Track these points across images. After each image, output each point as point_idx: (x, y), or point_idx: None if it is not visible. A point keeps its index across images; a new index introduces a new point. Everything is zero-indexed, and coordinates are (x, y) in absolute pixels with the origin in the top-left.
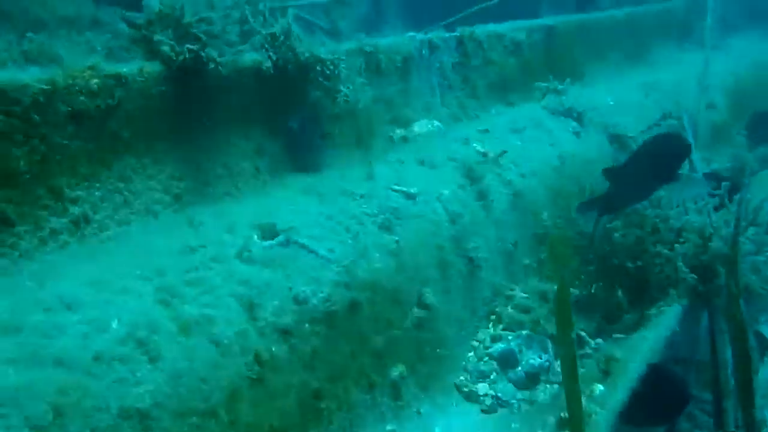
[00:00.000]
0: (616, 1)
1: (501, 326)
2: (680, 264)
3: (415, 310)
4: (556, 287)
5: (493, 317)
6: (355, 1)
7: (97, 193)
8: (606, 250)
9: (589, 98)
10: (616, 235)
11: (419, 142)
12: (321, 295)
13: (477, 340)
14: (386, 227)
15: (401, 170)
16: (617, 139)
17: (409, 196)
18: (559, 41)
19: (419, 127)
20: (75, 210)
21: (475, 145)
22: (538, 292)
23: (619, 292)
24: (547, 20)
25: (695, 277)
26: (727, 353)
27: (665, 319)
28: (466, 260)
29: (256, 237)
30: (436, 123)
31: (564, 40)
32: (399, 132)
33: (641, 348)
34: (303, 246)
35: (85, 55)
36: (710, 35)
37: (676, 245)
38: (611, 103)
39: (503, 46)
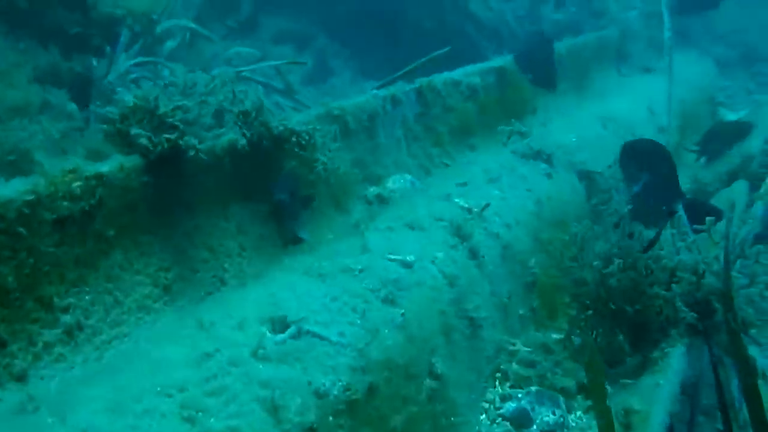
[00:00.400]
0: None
1: (508, 384)
2: (679, 304)
3: (427, 381)
4: (555, 337)
5: (498, 375)
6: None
7: (86, 298)
8: (603, 295)
9: (552, 137)
10: (612, 280)
11: (399, 201)
12: (340, 384)
13: (487, 401)
14: (390, 300)
15: (392, 237)
16: (586, 176)
17: (406, 265)
18: (510, 80)
19: (392, 182)
20: (67, 319)
21: (457, 200)
22: (539, 344)
23: (621, 337)
24: (497, 61)
25: (695, 315)
26: (733, 387)
27: (674, 362)
28: (468, 321)
29: (267, 332)
30: (408, 177)
31: (514, 78)
32: (373, 190)
33: (659, 397)
34: (315, 335)
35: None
36: (671, 64)
37: (673, 285)
38: (574, 139)
39: (460, 92)
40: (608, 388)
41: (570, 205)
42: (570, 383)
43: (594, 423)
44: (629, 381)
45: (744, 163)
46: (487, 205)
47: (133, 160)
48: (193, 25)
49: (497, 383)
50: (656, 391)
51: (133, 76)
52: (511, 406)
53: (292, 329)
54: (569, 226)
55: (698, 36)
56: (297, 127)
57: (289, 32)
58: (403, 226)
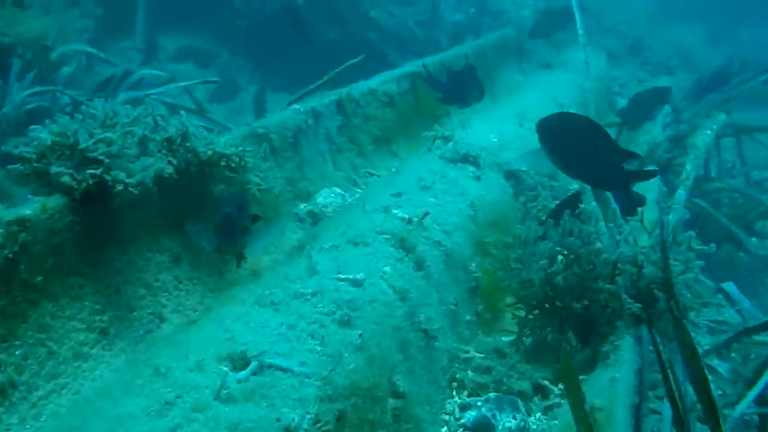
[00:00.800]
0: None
1: (465, 392)
2: (624, 296)
3: (391, 401)
4: (505, 340)
5: (455, 384)
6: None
7: (17, 352)
8: (550, 294)
9: (474, 139)
10: (558, 278)
11: (335, 217)
12: (309, 417)
13: (446, 413)
14: (346, 323)
15: (338, 255)
16: (512, 176)
17: (356, 283)
18: (424, 84)
19: (323, 198)
20: None
21: (395, 211)
22: (492, 349)
23: (570, 334)
24: (409, 66)
25: (640, 306)
26: (678, 371)
27: (626, 355)
28: (422, 334)
29: (228, 370)
30: (337, 190)
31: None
32: (303, 207)
33: (618, 392)
34: (277, 367)
35: None
36: (587, 58)
37: (617, 278)
38: (495, 140)
39: (378, 100)
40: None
41: (501, 205)
42: (526, 386)
43: (554, 423)
44: (582, 377)
45: (651, 150)
46: (427, 213)
47: (56, 200)
48: (89, 49)
49: (454, 393)
50: (615, 386)
51: (29, 106)
52: (471, 415)
53: (253, 365)
54: (504, 227)
55: (590, 29)
56: (226, 150)
57: (189, 50)
58: (347, 243)
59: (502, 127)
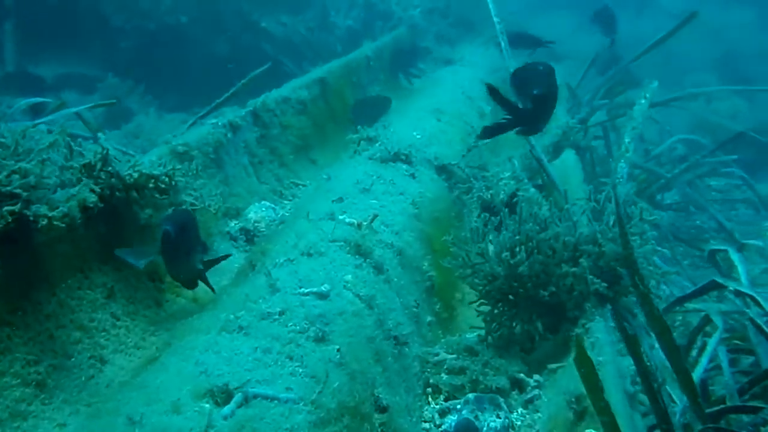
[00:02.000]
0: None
1: (441, 397)
2: (590, 276)
3: (376, 416)
4: (471, 336)
5: (429, 390)
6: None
7: None
8: (515, 285)
9: (399, 137)
10: (522, 268)
11: (281, 230)
12: None
13: (426, 421)
14: (321, 339)
15: (296, 269)
16: (443, 170)
17: (322, 296)
18: (333, 88)
19: (253, 213)
20: None
21: (342, 217)
22: (462, 348)
23: (539, 324)
24: (318, 72)
25: (605, 284)
26: (645, 348)
27: (601, 336)
28: (393, 341)
29: (209, 407)
30: (266, 204)
31: (335, 86)
32: (234, 224)
33: (606, 376)
34: (263, 396)
35: None
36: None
37: (581, 260)
38: (419, 136)
39: (292, 108)
40: (539, 377)
41: (440, 200)
42: (503, 381)
43: (537, 416)
44: (556, 365)
45: (565, 134)
46: (375, 216)
47: None
48: None
49: (430, 399)
50: (601, 370)
51: None
52: (452, 419)
53: (237, 397)
54: (445, 222)
55: (481, 23)
56: (153, 170)
57: (70, 77)
58: (302, 255)
59: (422, 124)
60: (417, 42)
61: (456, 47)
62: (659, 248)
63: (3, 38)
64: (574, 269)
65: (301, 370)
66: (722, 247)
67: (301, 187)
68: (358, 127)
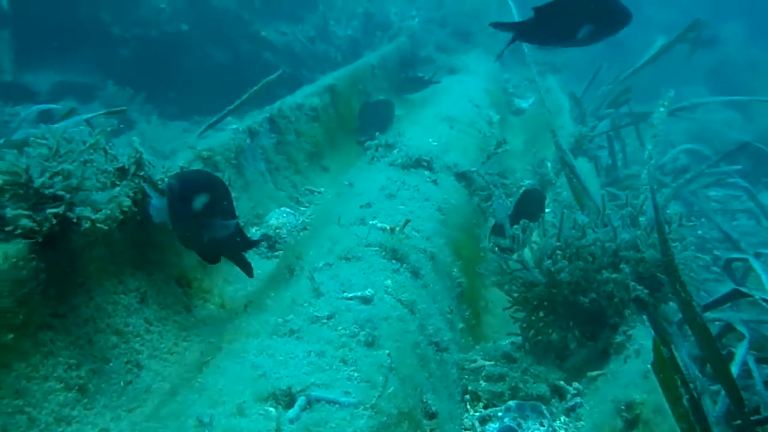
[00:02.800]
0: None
1: (481, 404)
2: (632, 283)
3: (425, 422)
4: (506, 343)
5: (467, 397)
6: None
7: None
8: (553, 292)
9: (416, 144)
10: (563, 274)
11: (312, 234)
12: None
13: (466, 429)
14: (371, 343)
15: (336, 273)
16: (463, 177)
17: (366, 300)
18: (342, 97)
19: (274, 219)
20: None
21: (373, 222)
22: (500, 355)
23: (576, 331)
24: (327, 79)
25: (647, 291)
26: (684, 356)
27: (646, 344)
28: (435, 347)
29: (273, 410)
30: (286, 210)
31: (344, 95)
32: (255, 231)
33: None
34: (325, 400)
35: None
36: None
37: (621, 266)
38: (435, 143)
39: (306, 115)
40: (579, 385)
41: (463, 207)
42: (543, 389)
43: (581, 425)
44: (596, 373)
45: (577, 142)
46: (408, 221)
47: (16, 246)
48: None
49: (468, 406)
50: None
51: None
52: (494, 427)
53: (300, 401)
54: (468, 229)
55: (477, 34)
56: None
57: (68, 85)
58: (339, 259)
59: (436, 131)
60: (417, 51)
61: (455, 56)
62: (699, 255)
63: (0, 46)
64: (615, 275)
65: (356, 375)
66: (741, 256)
67: (316, 194)
68: (376, 133)
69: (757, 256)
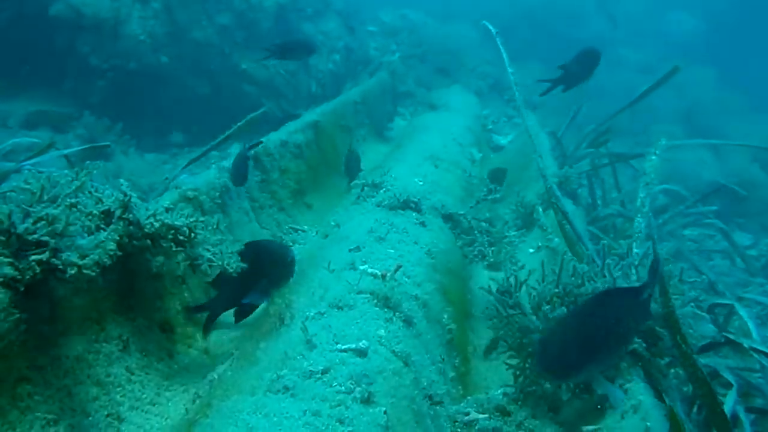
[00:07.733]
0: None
1: None
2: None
3: None
4: (497, 394)
5: None
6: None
7: None
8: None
9: (402, 184)
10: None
11: (300, 280)
12: None
13: None
14: (366, 400)
15: (328, 323)
16: (450, 218)
17: (360, 353)
18: (326, 133)
19: None
20: None
21: (363, 267)
22: (492, 407)
23: (571, 383)
24: (311, 115)
25: (644, 344)
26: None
27: (645, 400)
28: (429, 401)
29: None
30: None
31: (327, 131)
32: None
33: None
34: None
35: None
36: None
37: None
38: (420, 183)
39: (290, 152)
40: None
41: (451, 251)
42: None
43: None
44: (592, 428)
45: (561, 184)
46: (399, 266)
47: None
48: None
49: None
50: None
51: None
52: None
53: None
54: (456, 272)
55: (456, 71)
56: (176, 221)
57: (41, 115)
58: (331, 308)
59: (421, 170)
60: (397, 86)
61: (435, 91)
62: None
63: None
64: None
65: None
66: (726, 302)
67: (300, 232)
68: (360, 173)
69: (740, 300)
